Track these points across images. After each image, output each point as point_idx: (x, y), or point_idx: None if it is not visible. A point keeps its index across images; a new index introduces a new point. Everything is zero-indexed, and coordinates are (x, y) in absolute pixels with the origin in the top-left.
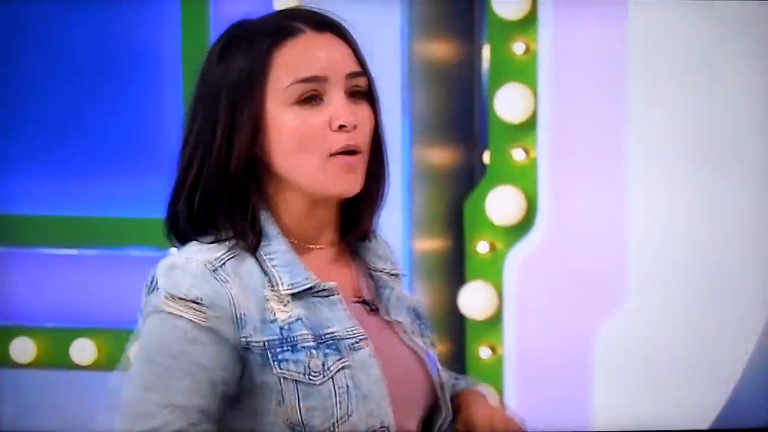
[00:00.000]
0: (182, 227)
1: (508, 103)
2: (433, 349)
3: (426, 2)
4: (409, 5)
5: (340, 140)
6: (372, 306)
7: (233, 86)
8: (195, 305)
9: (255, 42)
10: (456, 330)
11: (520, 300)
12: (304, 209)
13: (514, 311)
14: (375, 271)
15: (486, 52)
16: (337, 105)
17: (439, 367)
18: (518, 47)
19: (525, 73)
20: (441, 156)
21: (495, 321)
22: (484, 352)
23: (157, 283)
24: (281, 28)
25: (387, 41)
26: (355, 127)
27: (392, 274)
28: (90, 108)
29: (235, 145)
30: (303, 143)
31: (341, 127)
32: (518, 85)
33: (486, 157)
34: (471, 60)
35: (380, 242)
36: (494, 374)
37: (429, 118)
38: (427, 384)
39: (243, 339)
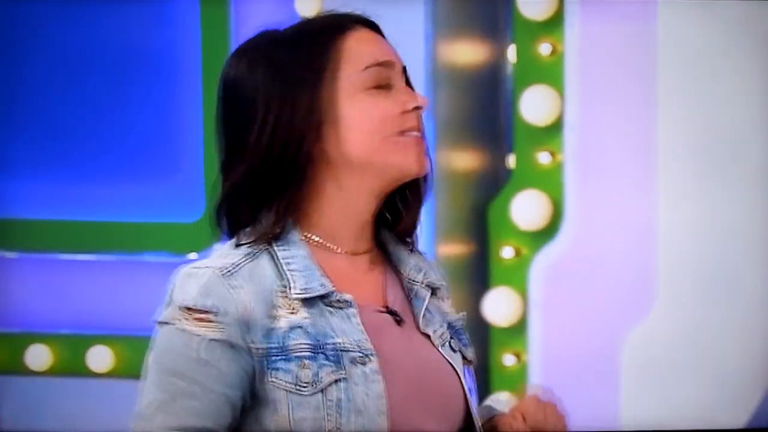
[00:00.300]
0: (224, 226)
1: (534, 106)
2: (469, 366)
3: (450, 2)
4: (432, 5)
5: (411, 119)
6: (398, 317)
7: (300, 84)
8: (207, 315)
9: (314, 38)
10: (480, 337)
11: (546, 306)
12: (355, 203)
13: (539, 318)
14: (411, 282)
15: (511, 53)
16: (408, 90)
17: (470, 384)
18: (544, 48)
19: (551, 74)
20: (465, 159)
21: (520, 328)
22: (509, 360)
23: (172, 292)
24: (338, 23)
25: (410, 42)
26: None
27: (427, 286)
28: (110, 112)
29: (291, 141)
30: (381, 125)
31: (415, 109)
32: (544, 86)
33: (511, 160)
34: (496, 61)
35: (419, 255)
36: (518, 382)
37: (453, 120)
38: (461, 397)
39: (251, 345)
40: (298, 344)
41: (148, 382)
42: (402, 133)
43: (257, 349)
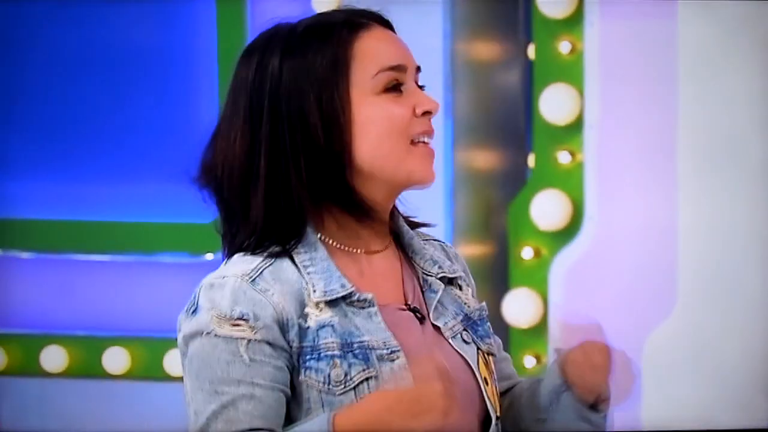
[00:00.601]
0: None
1: (554, 105)
2: (488, 356)
3: (469, 1)
4: (451, 4)
5: (422, 124)
6: (419, 313)
7: (315, 81)
8: (242, 322)
9: (330, 34)
10: (499, 338)
11: (566, 308)
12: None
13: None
14: (425, 274)
15: (531, 51)
16: (418, 93)
17: (486, 375)
18: (564, 47)
19: (571, 73)
20: (484, 159)
21: (539, 329)
22: (529, 362)
23: (198, 304)
24: (352, 20)
25: (429, 41)
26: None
27: (442, 278)
28: (125, 112)
29: (316, 142)
30: (391, 130)
31: (425, 113)
32: (564, 85)
33: (530, 160)
34: (515, 60)
35: (435, 244)
36: None
37: (472, 120)
38: (476, 390)
39: (288, 344)
40: (327, 343)
41: (195, 399)
42: (412, 139)
43: (293, 348)
